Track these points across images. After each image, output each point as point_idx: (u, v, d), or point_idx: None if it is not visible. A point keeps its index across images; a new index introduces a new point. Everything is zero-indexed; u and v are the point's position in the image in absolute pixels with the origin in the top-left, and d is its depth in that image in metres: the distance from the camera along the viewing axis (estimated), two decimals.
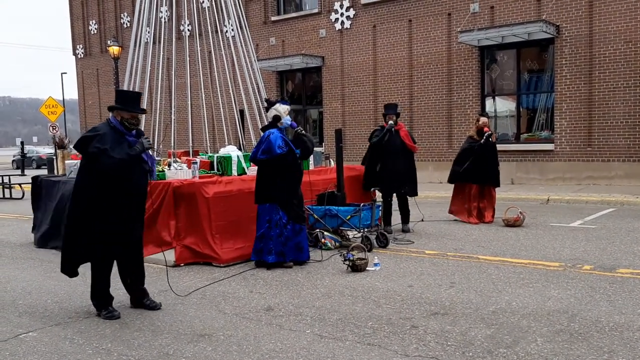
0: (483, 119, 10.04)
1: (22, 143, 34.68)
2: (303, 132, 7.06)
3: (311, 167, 9.47)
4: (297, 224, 7.03)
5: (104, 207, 5.15)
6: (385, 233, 8.32)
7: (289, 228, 6.97)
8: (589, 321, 4.75)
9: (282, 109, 7.00)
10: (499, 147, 11.35)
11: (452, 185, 10.41)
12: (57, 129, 23.73)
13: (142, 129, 10.32)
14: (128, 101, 5.34)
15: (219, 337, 4.67)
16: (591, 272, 6.37)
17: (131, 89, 10.56)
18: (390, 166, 9.13)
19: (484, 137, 9.81)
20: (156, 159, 8.16)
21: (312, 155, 9.63)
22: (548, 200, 12.84)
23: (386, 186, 9.23)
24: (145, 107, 9.95)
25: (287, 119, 6.99)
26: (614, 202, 12.09)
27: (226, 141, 10.74)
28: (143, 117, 10.38)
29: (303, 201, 7.28)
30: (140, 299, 5.54)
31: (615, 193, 12.96)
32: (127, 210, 5.25)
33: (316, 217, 8.08)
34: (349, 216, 7.87)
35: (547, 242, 8.21)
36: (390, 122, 9.14)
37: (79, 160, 9.21)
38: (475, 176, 9.96)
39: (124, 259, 5.45)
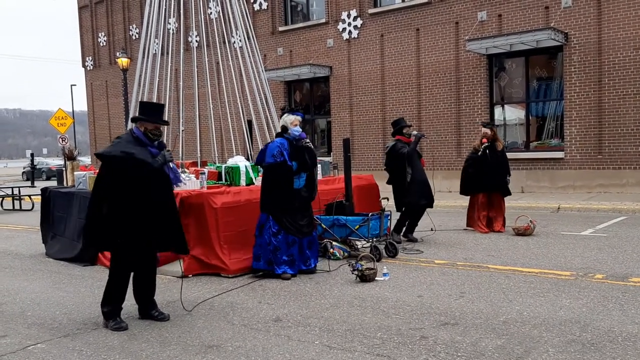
0: (484, 130, 10.06)
1: (32, 155, 34.92)
2: (307, 144, 7.00)
3: (319, 177, 9.46)
4: (290, 235, 6.98)
5: (122, 215, 5.15)
6: (395, 243, 8.28)
7: (280, 238, 6.92)
8: (601, 331, 4.69)
9: (289, 119, 6.98)
10: (509, 155, 11.27)
11: (461, 194, 10.44)
12: (66, 141, 23.88)
13: None
14: (152, 112, 5.37)
15: (227, 348, 4.64)
16: (603, 281, 6.30)
17: (140, 100, 10.62)
18: (419, 177, 9.10)
19: (481, 150, 9.91)
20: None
21: (320, 165, 9.64)
22: (559, 208, 12.75)
23: (418, 197, 9.10)
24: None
25: (294, 130, 6.95)
26: (625, 210, 11.99)
27: (234, 151, 10.76)
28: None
29: (302, 213, 7.10)
30: (149, 311, 5.53)
31: (626, 201, 12.85)
32: (145, 221, 5.24)
33: (324, 227, 8.05)
34: (358, 226, 7.83)
35: (558, 250, 8.13)
36: (415, 132, 9.23)
37: (88, 172, 9.28)
38: (480, 185, 9.94)
39: (139, 268, 5.44)
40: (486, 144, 9.88)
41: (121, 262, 5.30)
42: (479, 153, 9.89)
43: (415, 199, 9.11)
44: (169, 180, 5.46)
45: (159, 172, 5.27)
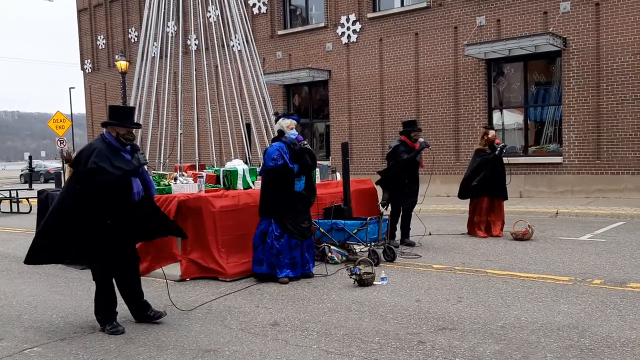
0: (492, 132, 9.99)
1: (30, 157, 34.95)
2: (306, 146, 7.01)
3: (317, 180, 9.44)
4: (293, 239, 6.97)
5: (100, 221, 5.11)
6: (393, 247, 8.27)
7: (283, 242, 6.92)
8: (599, 337, 4.68)
9: (285, 123, 7.01)
10: (507, 160, 11.22)
11: (460, 199, 10.33)
12: (64, 143, 23.89)
13: (149, 143, 10.42)
14: (123, 116, 5.31)
15: (225, 353, 4.62)
16: (601, 287, 6.29)
17: (138, 103, 10.61)
18: (409, 187, 9.15)
19: (498, 150, 9.74)
20: (154, 172, 8.17)
21: (318, 169, 9.63)
22: (557, 213, 12.75)
23: (403, 199, 9.18)
24: (142, 122, 9.98)
25: (290, 133, 6.97)
26: (623, 216, 11.99)
27: (232, 155, 10.73)
28: (146, 132, 10.44)
29: (304, 216, 7.13)
30: (143, 312, 5.51)
31: (624, 206, 12.86)
32: (121, 227, 5.21)
33: (323, 230, 8.04)
34: (356, 230, 7.82)
35: (556, 255, 8.12)
36: (421, 139, 9.19)
37: None
38: (486, 190, 9.87)
39: (120, 274, 5.42)
40: (502, 144, 9.84)
41: (99, 268, 5.29)
42: (496, 152, 9.72)
43: (398, 205, 9.25)
44: (144, 184, 5.39)
45: (131, 178, 5.22)
